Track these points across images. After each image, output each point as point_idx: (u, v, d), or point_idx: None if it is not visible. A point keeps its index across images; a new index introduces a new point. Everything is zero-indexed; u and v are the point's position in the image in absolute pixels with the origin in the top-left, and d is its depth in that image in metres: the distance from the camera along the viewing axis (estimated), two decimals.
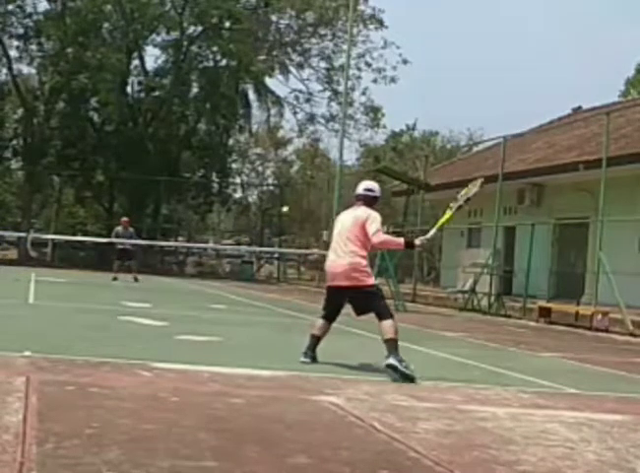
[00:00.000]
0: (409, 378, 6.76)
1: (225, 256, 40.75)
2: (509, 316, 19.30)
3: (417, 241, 7.67)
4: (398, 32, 58.72)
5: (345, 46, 31.99)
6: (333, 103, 37.98)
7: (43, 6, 36.30)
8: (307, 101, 38.83)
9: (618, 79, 58.81)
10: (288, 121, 73.36)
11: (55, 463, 3.54)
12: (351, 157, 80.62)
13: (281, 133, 51.00)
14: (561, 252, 23.38)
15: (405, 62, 35.83)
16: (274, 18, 37.74)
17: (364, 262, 7.37)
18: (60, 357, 6.66)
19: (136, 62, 37.96)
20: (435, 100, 78.57)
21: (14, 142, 38.77)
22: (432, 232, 7.83)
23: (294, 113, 40.11)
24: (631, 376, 8.97)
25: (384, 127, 40.17)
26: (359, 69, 36.21)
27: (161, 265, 35.98)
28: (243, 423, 4.74)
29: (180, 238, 43.29)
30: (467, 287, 22.13)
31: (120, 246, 22.70)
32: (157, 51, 38.22)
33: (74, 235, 37.63)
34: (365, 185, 7.78)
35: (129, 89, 37.81)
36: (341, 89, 34.21)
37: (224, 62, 38.39)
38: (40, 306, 12.67)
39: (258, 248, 38.50)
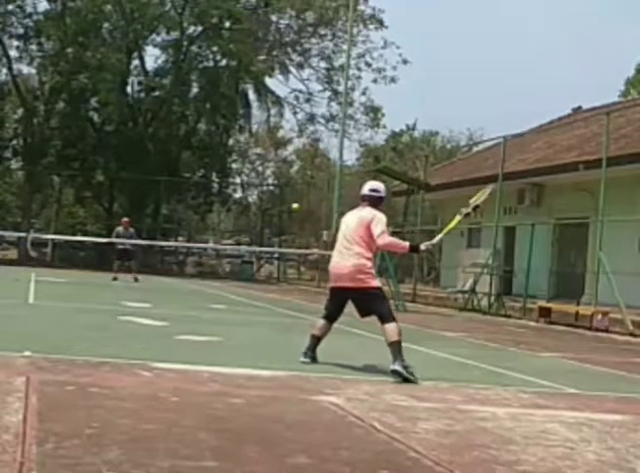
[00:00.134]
0: (412, 383, 6.76)
1: (225, 256, 40.75)
2: (509, 316, 19.30)
3: (423, 247, 7.63)
4: (398, 32, 58.81)
5: (345, 46, 32.06)
6: (333, 103, 38.04)
7: (43, 6, 36.38)
8: (307, 101, 38.88)
9: (618, 79, 58.85)
10: (288, 121, 73.46)
11: (55, 463, 3.54)
12: (351, 157, 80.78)
13: (281, 133, 51.05)
14: (561, 252, 23.38)
15: (405, 62, 35.88)
16: (274, 18, 37.75)
17: (369, 264, 7.33)
18: (60, 357, 6.66)
19: (136, 62, 37.97)
20: (435, 100, 78.63)
21: (14, 142, 38.76)
22: (438, 237, 7.79)
23: (294, 113, 40.18)
24: (631, 376, 8.97)
25: (384, 127, 40.24)
26: (359, 69, 36.26)
27: (161, 265, 35.98)
28: (243, 423, 4.74)
29: (180, 238, 43.29)
30: (467, 287, 22.13)
31: (120, 247, 22.72)
32: (157, 51, 38.30)
33: (74, 235, 37.62)
34: (370, 186, 7.72)
35: (129, 89, 37.84)
36: (341, 89, 34.26)
37: (224, 62, 38.39)
38: (40, 306, 12.66)
39: (258, 248, 38.50)
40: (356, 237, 7.34)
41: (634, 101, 31.67)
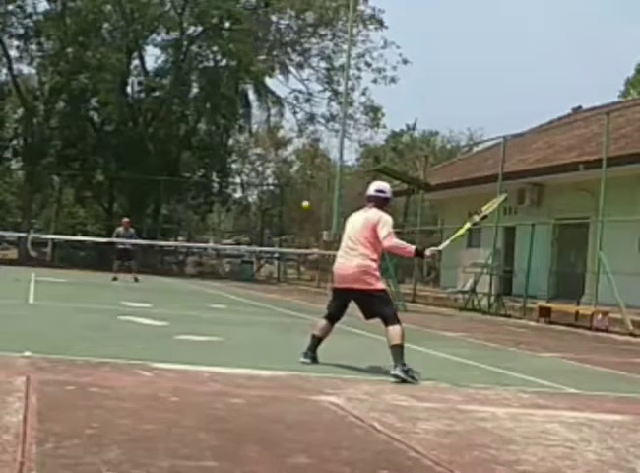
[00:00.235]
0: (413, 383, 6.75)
1: (225, 256, 40.74)
2: (509, 316, 19.30)
3: (428, 252, 7.52)
4: (398, 32, 58.80)
5: (345, 46, 32.04)
6: (333, 103, 38.03)
7: (43, 6, 36.38)
8: (307, 101, 38.87)
9: (618, 79, 58.87)
10: (288, 121, 73.47)
11: (55, 463, 3.54)
12: (351, 157, 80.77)
13: (281, 133, 51.04)
14: (561, 252, 23.38)
15: (405, 62, 35.88)
16: (274, 18, 37.75)
17: (374, 265, 7.25)
18: (60, 357, 6.66)
19: (136, 62, 37.97)
20: (435, 100, 78.65)
21: (14, 142, 38.76)
22: (445, 244, 7.72)
23: (294, 113, 40.17)
24: (631, 376, 8.97)
25: (384, 127, 40.23)
26: (359, 69, 36.26)
27: (161, 265, 35.97)
28: (243, 423, 4.74)
29: (180, 238, 43.29)
30: (467, 287, 22.13)
31: (121, 247, 22.72)
32: (157, 51, 38.29)
33: (74, 235, 37.62)
34: (376, 186, 7.65)
35: (129, 89, 37.84)
36: (341, 89, 34.25)
37: (224, 62, 38.39)
38: (40, 306, 12.66)
39: (258, 248, 38.49)
40: (362, 239, 7.27)
41: (634, 101, 31.67)
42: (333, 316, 7.55)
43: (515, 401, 6.36)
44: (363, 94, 37.10)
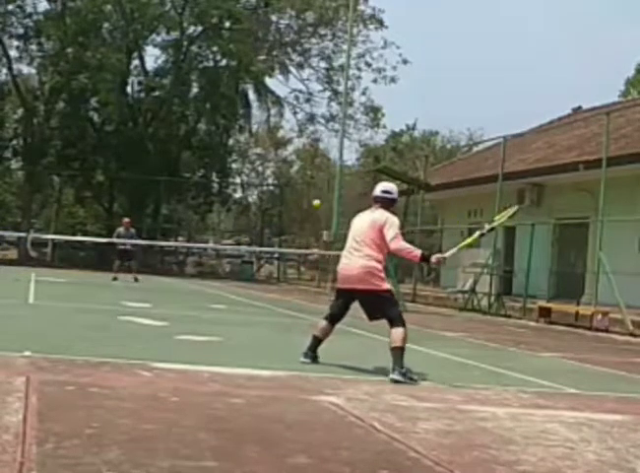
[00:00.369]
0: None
1: (225, 256, 40.75)
2: (509, 316, 19.30)
3: (434, 259, 7.36)
4: (398, 32, 58.79)
5: (345, 46, 31.99)
6: (333, 103, 38.02)
7: (43, 6, 36.37)
8: (307, 101, 38.87)
9: (618, 79, 58.86)
10: (288, 121, 73.43)
11: (55, 463, 3.54)
12: (351, 157, 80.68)
13: (281, 133, 51.03)
14: (561, 252, 23.38)
15: (405, 62, 35.87)
16: (274, 18, 37.74)
17: (380, 266, 7.19)
18: (60, 357, 6.66)
19: (136, 62, 37.97)
20: (435, 100, 78.66)
21: (14, 142, 38.75)
22: (451, 251, 7.66)
23: (294, 113, 40.16)
24: (631, 376, 8.97)
25: (384, 127, 40.22)
26: (359, 69, 36.24)
27: (161, 265, 35.98)
28: (243, 423, 4.74)
29: (180, 238, 43.29)
30: (467, 287, 22.14)
31: (121, 247, 22.71)
32: (157, 51, 38.29)
33: (74, 235, 37.61)
34: (383, 187, 7.57)
35: (129, 89, 37.84)
36: (341, 89, 34.21)
37: (224, 62, 38.38)
38: (40, 306, 12.66)
39: (258, 248, 38.49)
40: (367, 240, 7.21)
41: (634, 101, 31.68)
42: (334, 316, 7.50)
43: (515, 401, 6.36)
44: (363, 94, 37.15)
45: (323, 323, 7.52)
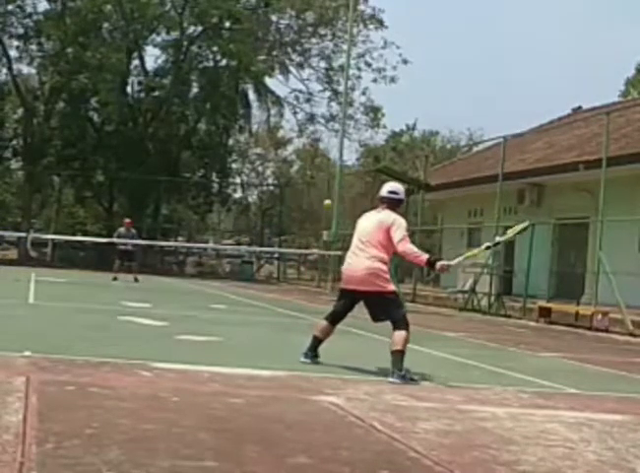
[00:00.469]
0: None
1: (225, 256, 40.75)
2: (509, 316, 19.30)
3: (438, 266, 7.24)
4: (398, 32, 58.69)
5: (345, 46, 32.02)
6: (333, 103, 38.02)
7: (43, 6, 36.35)
8: (307, 101, 38.86)
9: (618, 79, 58.82)
10: (288, 121, 73.47)
11: (55, 463, 3.54)
12: (351, 157, 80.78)
13: (281, 133, 51.05)
14: (561, 252, 23.37)
15: (405, 62, 35.86)
16: (274, 18, 37.74)
17: (385, 268, 7.12)
18: (60, 357, 6.66)
19: (136, 62, 37.96)
20: (435, 100, 78.68)
21: (14, 142, 38.77)
22: (457, 260, 7.60)
23: (294, 113, 40.15)
24: (631, 376, 8.97)
25: (384, 127, 40.23)
26: (359, 69, 36.25)
27: (161, 265, 35.97)
28: (243, 423, 4.74)
29: (180, 238, 43.32)
30: (467, 287, 22.13)
31: (122, 247, 22.70)
32: (157, 51, 38.29)
33: (74, 235, 37.61)
34: (389, 187, 7.48)
35: (129, 89, 37.83)
36: (341, 89, 34.23)
37: (224, 62, 38.38)
38: (40, 306, 12.66)
39: (258, 248, 38.50)
40: (373, 241, 7.14)
41: (634, 101, 31.69)
42: (336, 316, 7.45)
43: (515, 401, 6.35)
44: (363, 94, 37.15)
45: (323, 324, 7.49)
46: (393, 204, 7.37)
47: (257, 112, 42.73)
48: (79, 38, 34.90)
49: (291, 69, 38.74)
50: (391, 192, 7.43)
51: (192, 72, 38.17)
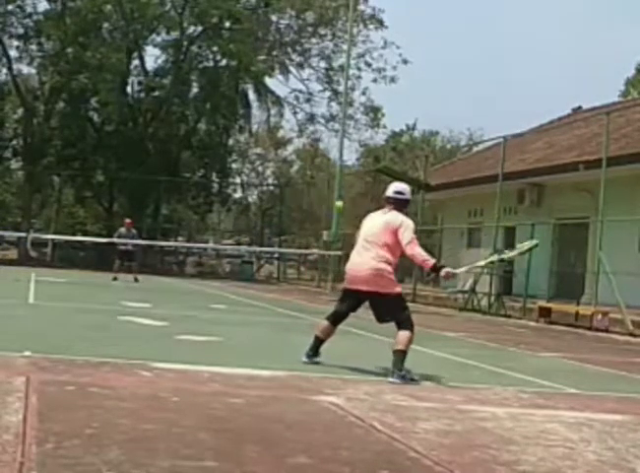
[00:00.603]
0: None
1: (225, 256, 40.75)
2: (509, 316, 19.30)
3: (443, 273, 7.16)
4: (398, 32, 58.71)
5: (345, 46, 32.03)
6: (333, 103, 38.03)
7: (43, 6, 36.37)
8: (307, 101, 38.87)
9: (618, 79, 58.82)
10: (288, 121, 73.47)
11: (55, 463, 3.54)
12: (351, 157, 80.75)
13: (281, 133, 51.05)
14: (561, 252, 23.36)
15: (405, 62, 35.87)
16: (274, 18, 37.74)
17: (390, 269, 7.03)
18: (60, 357, 6.66)
19: (136, 62, 37.97)
20: (435, 100, 78.70)
21: (14, 142, 38.78)
22: (462, 269, 7.56)
23: (294, 113, 40.16)
24: (631, 376, 8.97)
25: (384, 127, 40.22)
26: (359, 69, 36.26)
27: (161, 265, 35.98)
28: (243, 423, 4.74)
29: (180, 238, 43.32)
30: (467, 287, 22.13)
31: (122, 247, 22.69)
32: (157, 51, 38.31)
33: (74, 235, 37.62)
34: (395, 188, 7.42)
35: (129, 89, 37.84)
36: (341, 89, 34.23)
37: (224, 62, 38.38)
38: (40, 306, 12.66)
39: (258, 248, 38.50)
40: (379, 241, 7.06)
41: (634, 101, 31.68)
42: (337, 316, 7.39)
43: (515, 401, 6.35)
44: (363, 94, 37.15)
45: (324, 324, 7.43)
46: (399, 205, 7.29)
47: (257, 112, 42.81)
48: (79, 38, 34.90)
49: (291, 69, 38.80)
50: (397, 192, 7.36)
51: (192, 72, 38.17)
